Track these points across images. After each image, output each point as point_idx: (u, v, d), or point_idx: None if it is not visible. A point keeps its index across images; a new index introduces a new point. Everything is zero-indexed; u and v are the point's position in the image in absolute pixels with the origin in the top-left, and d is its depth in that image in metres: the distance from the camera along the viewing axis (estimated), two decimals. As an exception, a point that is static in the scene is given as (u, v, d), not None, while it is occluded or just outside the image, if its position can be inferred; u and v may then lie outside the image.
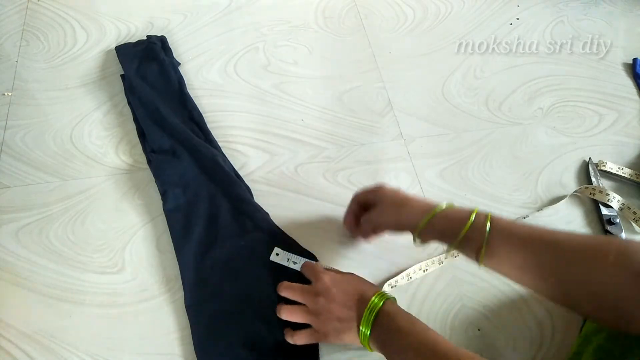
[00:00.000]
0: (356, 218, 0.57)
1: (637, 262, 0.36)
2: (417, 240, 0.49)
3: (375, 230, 0.55)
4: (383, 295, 0.47)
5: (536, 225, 0.44)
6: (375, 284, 0.58)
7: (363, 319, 0.45)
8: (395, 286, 0.58)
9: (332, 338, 0.48)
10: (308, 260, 0.57)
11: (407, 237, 0.62)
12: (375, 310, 0.45)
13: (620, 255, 0.37)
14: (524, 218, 0.65)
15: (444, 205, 0.48)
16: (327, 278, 0.49)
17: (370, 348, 0.46)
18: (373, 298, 0.46)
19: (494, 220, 0.44)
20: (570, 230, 0.65)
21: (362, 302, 0.47)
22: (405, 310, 0.52)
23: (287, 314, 0.50)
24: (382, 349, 0.45)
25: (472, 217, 0.44)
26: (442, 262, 0.60)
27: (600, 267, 0.38)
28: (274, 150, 0.69)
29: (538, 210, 0.66)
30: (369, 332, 0.45)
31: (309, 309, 0.49)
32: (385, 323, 0.45)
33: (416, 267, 0.59)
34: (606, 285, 0.37)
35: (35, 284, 0.56)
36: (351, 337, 0.47)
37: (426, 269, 0.59)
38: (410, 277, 0.58)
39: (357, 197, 0.57)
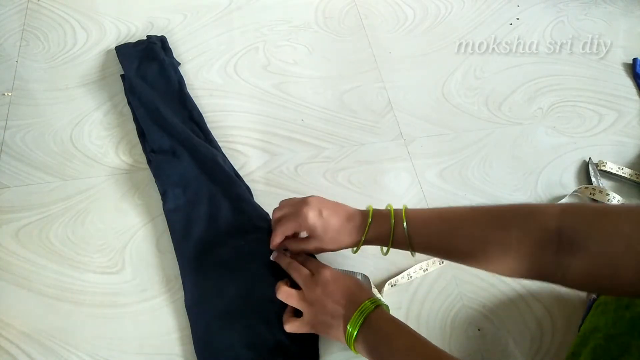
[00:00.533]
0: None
1: (538, 229, 0.39)
2: (356, 251, 0.53)
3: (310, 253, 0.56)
4: (376, 301, 0.47)
5: (447, 209, 0.48)
6: (376, 283, 0.58)
7: (352, 319, 0.46)
8: (395, 285, 0.58)
9: (320, 330, 0.49)
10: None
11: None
12: (366, 313, 0.46)
13: (522, 224, 0.40)
14: None
15: (369, 214, 0.50)
16: (328, 272, 0.50)
17: (354, 350, 0.47)
18: (366, 302, 0.47)
19: (409, 219, 0.48)
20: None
21: (354, 303, 0.47)
22: (406, 309, 0.52)
23: (284, 295, 0.51)
24: (368, 352, 0.45)
25: (392, 221, 0.48)
26: (442, 262, 0.60)
27: (506, 241, 0.41)
28: (274, 150, 0.69)
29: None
30: (355, 333, 0.45)
31: (305, 296, 0.50)
32: (374, 327, 0.45)
33: (417, 266, 0.59)
34: (516, 254, 0.40)
35: (35, 284, 0.56)
36: (338, 334, 0.48)
37: (427, 269, 0.59)
38: (411, 277, 0.58)
39: (283, 230, 0.53)
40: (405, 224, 0.47)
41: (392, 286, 0.58)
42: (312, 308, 0.49)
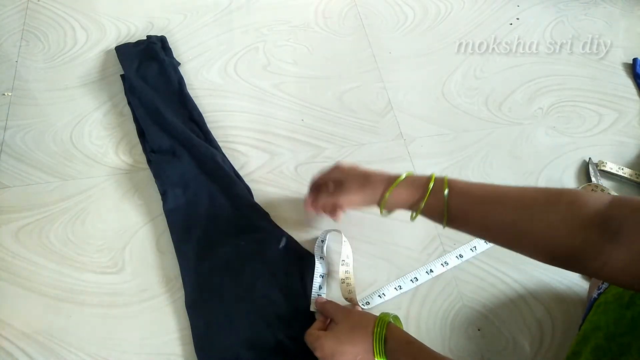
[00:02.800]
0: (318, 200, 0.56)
1: (585, 213, 0.38)
2: (384, 211, 0.51)
3: (340, 207, 0.55)
4: (382, 320, 0.47)
5: (491, 184, 0.45)
6: (376, 282, 0.58)
7: (375, 352, 0.45)
8: (368, 303, 0.57)
9: None
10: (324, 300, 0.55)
11: (406, 239, 0.62)
12: (382, 338, 0.45)
13: (570, 205, 0.39)
14: None
15: (403, 175, 0.49)
16: (325, 346, 0.48)
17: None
18: (375, 328, 0.46)
19: (452, 185, 0.45)
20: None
21: (366, 340, 0.46)
22: (406, 309, 0.52)
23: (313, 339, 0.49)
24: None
25: (431, 184, 0.46)
26: (415, 280, 0.59)
27: (551, 218, 0.40)
28: (274, 150, 0.69)
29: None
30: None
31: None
32: (397, 346, 0.45)
33: (390, 286, 0.58)
34: (558, 234, 0.39)
35: (35, 284, 0.56)
36: None
37: (400, 286, 0.58)
38: (400, 287, 0.58)
39: (317, 180, 0.57)
40: (446, 190, 0.45)
41: (379, 296, 0.57)
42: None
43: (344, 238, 0.59)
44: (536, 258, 0.42)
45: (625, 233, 0.36)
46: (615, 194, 0.65)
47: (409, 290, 0.58)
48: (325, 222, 0.62)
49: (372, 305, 0.57)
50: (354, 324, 0.48)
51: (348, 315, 0.50)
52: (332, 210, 0.56)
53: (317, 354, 0.48)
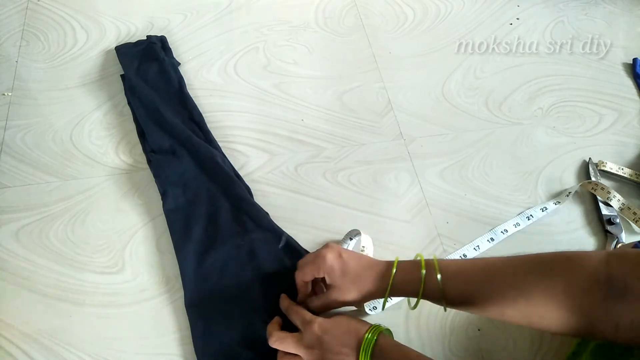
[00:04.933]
0: (311, 288, 0.54)
1: (583, 277, 0.37)
2: (384, 305, 0.51)
3: (333, 308, 0.52)
4: (375, 329, 0.46)
5: (481, 260, 0.45)
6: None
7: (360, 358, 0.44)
8: (375, 307, 0.56)
9: None
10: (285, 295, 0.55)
11: (406, 239, 0.62)
12: (370, 347, 0.44)
13: (565, 272, 0.38)
14: (528, 219, 0.65)
15: (394, 265, 0.47)
16: (315, 327, 0.47)
17: None
18: (366, 335, 0.45)
19: (443, 270, 0.44)
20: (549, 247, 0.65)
21: (356, 342, 0.45)
22: (406, 309, 0.52)
23: (277, 340, 0.49)
24: None
25: (423, 272, 0.45)
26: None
27: (551, 291, 0.38)
28: (274, 150, 0.69)
29: (541, 209, 0.66)
30: None
31: (304, 340, 0.47)
32: (383, 357, 0.44)
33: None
34: (563, 305, 0.38)
35: (35, 284, 0.56)
36: None
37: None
38: (391, 298, 0.57)
39: (303, 278, 0.51)
40: (438, 274, 0.44)
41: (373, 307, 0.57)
42: (312, 352, 0.47)
43: (364, 236, 0.60)
44: (553, 332, 0.40)
45: (630, 291, 0.35)
46: (616, 192, 0.65)
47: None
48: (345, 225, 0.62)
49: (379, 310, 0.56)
50: (345, 329, 0.47)
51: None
52: (325, 311, 0.53)
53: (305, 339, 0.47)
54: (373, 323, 0.47)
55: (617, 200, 0.65)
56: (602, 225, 0.65)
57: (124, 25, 0.79)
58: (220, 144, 0.67)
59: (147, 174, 0.64)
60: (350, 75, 0.78)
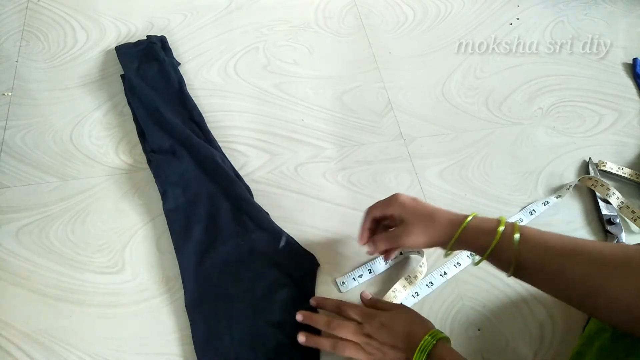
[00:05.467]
0: (372, 234, 0.53)
1: None
2: (448, 253, 0.48)
3: (401, 247, 0.53)
4: (436, 334, 0.45)
5: (564, 235, 0.42)
6: (378, 282, 0.58)
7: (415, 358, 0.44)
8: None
9: None
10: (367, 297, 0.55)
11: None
12: (427, 350, 0.43)
13: None
14: (531, 214, 0.65)
15: (469, 216, 0.46)
16: (378, 320, 0.47)
17: None
18: (426, 337, 0.44)
19: (523, 231, 0.42)
20: (582, 234, 0.65)
21: (413, 342, 0.45)
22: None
23: (341, 350, 0.48)
24: None
25: (500, 228, 0.43)
26: (413, 280, 0.60)
27: (628, 280, 0.36)
28: (274, 150, 0.69)
29: (543, 203, 0.66)
30: None
31: (364, 329, 0.48)
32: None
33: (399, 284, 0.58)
34: (633, 301, 0.36)
35: (35, 284, 0.56)
36: None
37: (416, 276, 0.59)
38: (395, 290, 0.57)
39: (372, 213, 0.52)
40: (517, 233, 0.41)
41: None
42: (371, 342, 0.47)
43: (423, 261, 0.59)
44: (607, 321, 0.39)
45: None
46: (615, 190, 0.65)
47: (432, 292, 0.58)
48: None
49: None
50: (405, 325, 0.47)
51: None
52: (390, 252, 0.54)
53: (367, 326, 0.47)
54: (435, 328, 0.47)
55: (616, 197, 0.65)
56: (602, 225, 0.65)
57: (124, 25, 0.79)
58: (220, 144, 0.67)
59: (147, 174, 0.64)
60: (350, 75, 0.78)
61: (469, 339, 0.56)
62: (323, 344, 0.50)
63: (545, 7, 0.92)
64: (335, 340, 0.49)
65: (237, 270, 0.57)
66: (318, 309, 0.55)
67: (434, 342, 0.44)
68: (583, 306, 0.41)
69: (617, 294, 0.37)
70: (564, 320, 0.58)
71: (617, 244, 0.40)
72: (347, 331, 0.48)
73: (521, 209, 0.66)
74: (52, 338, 0.53)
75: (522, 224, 0.63)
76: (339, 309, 0.52)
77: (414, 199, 0.50)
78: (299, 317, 0.52)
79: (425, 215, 0.47)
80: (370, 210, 0.52)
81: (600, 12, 0.92)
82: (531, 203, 0.66)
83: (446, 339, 0.46)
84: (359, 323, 0.49)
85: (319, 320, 0.51)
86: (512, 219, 0.64)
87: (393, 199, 0.50)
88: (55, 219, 0.60)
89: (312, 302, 0.54)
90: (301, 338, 0.50)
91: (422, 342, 0.44)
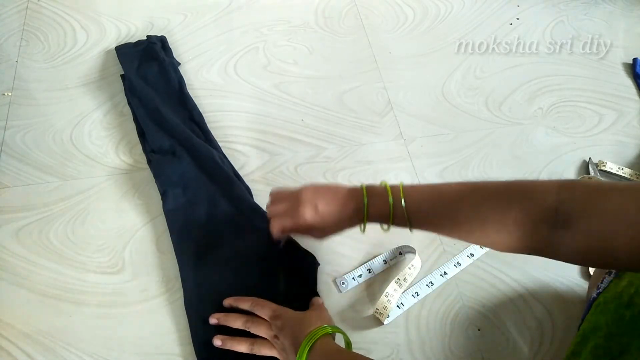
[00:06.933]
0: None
1: (535, 212, 0.39)
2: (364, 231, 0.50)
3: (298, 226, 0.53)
4: (322, 330, 0.47)
5: (442, 184, 0.47)
6: (378, 282, 0.58)
7: (301, 347, 0.46)
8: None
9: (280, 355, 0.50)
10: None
11: (406, 239, 0.62)
12: (313, 341, 0.45)
13: (520, 203, 0.40)
14: None
15: (364, 194, 0.48)
16: (279, 322, 0.50)
17: None
18: (316, 329, 0.47)
19: (407, 195, 0.46)
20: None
21: (302, 338, 0.47)
22: (406, 310, 0.52)
23: (258, 349, 0.51)
24: None
25: (390, 200, 0.46)
26: (417, 295, 0.60)
27: (504, 220, 0.40)
28: (274, 150, 0.69)
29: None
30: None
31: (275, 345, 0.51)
32: (319, 353, 0.45)
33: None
34: (512, 236, 0.40)
35: (35, 284, 0.56)
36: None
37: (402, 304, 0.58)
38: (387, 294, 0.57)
39: (281, 230, 0.52)
40: (403, 201, 0.46)
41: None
42: (277, 341, 0.50)
43: (417, 259, 0.59)
44: (497, 249, 0.43)
45: (575, 217, 0.36)
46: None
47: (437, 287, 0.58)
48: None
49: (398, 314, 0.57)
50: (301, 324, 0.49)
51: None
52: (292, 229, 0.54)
53: None
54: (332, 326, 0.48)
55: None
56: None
57: (124, 25, 0.79)
58: (220, 144, 0.67)
59: (147, 174, 0.64)
60: (350, 75, 0.78)
61: (469, 339, 0.56)
62: (240, 345, 0.51)
63: (545, 7, 0.92)
64: (252, 339, 0.51)
65: (237, 271, 0.57)
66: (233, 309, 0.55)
67: (318, 336, 0.46)
68: (477, 244, 0.45)
69: (497, 233, 0.41)
70: (563, 318, 0.58)
71: (491, 183, 0.44)
72: (261, 330, 0.51)
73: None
74: (52, 338, 0.53)
75: None
76: (253, 309, 0.53)
77: (315, 208, 0.49)
78: (217, 342, 0.52)
79: (334, 223, 0.49)
80: (276, 222, 0.52)
81: (600, 12, 0.92)
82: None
83: (340, 333, 0.49)
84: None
85: (236, 320, 0.52)
86: None
87: (298, 215, 0.50)
88: (55, 219, 0.60)
89: (226, 302, 0.55)
90: (217, 342, 0.52)
91: (310, 333, 0.46)
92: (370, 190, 0.48)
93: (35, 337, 0.53)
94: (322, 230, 0.50)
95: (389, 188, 0.47)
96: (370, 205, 0.48)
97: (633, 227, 0.34)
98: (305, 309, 0.55)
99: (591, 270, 0.61)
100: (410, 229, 0.47)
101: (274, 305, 0.52)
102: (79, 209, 0.61)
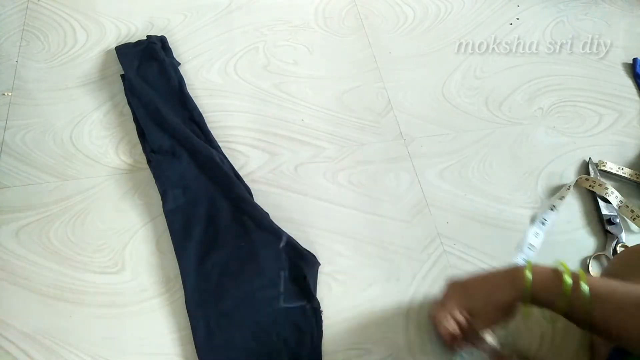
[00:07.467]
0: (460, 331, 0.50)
1: None
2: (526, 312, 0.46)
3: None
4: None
5: (631, 284, 0.40)
6: (375, 283, 0.58)
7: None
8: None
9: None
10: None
11: (406, 239, 0.62)
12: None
13: None
14: (543, 224, 0.64)
15: (529, 275, 0.42)
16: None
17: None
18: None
19: (591, 285, 0.39)
20: None
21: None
22: (407, 308, 0.52)
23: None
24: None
25: (568, 278, 0.39)
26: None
27: None
28: (274, 150, 0.69)
29: (550, 208, 0.65)
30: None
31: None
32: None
33: None
34: None
35: (35, 284, 0.56)
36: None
37: None
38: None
39: (442, 316, 0.49)
40: (584, 284, 0.37)
41: None
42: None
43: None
44: None
45: None
46: (614, 189, 0.65)
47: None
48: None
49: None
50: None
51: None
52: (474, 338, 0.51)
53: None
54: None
55: (614, 197, 0.65)
56: (602, 225, 0.65)
57: (124, 25, 0.79)
58: (220, 144, 0.67)
59: (147, 174, 0.64)
60: (350, 75, 0.78)
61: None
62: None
63: (545, 7, 0.92)
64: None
65: (237, 271, 0.57)
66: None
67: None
68: None
69: None
70: (564, 319, 0.57)
71: None
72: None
73: (532, 222, 0.65)
74: (52, 338, 0.53)
75: (538, 237, 0.63)
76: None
77: (458, 280, 0.49)
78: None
79: (488, 309, 0.46)
80: (434, 315, 0.50)
81: (600, 12, 0.92)
82: (539, 212, 0.66)
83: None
84: None
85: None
86: (528, 233, 0.63)
87: (449, 289, 0.49)
88: (55, 219, 0.60)
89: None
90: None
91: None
92: (537, 267, 0.43)
93: (35, 337, 0.53)
94: (478, 316, 0.48)
95: (565, 265, 0.41)
96: (536, 279, 0.42)
97: None
98: (305, 309, 0.55)
99: None
100: (585, 327, 0.40)
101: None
102: (79, 209, 0.61)
